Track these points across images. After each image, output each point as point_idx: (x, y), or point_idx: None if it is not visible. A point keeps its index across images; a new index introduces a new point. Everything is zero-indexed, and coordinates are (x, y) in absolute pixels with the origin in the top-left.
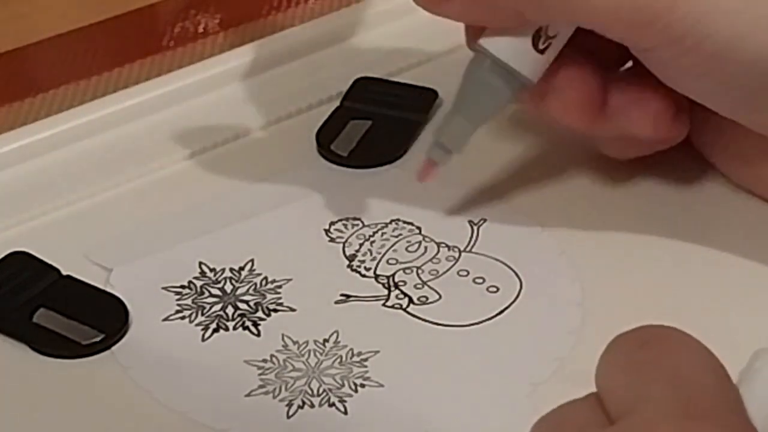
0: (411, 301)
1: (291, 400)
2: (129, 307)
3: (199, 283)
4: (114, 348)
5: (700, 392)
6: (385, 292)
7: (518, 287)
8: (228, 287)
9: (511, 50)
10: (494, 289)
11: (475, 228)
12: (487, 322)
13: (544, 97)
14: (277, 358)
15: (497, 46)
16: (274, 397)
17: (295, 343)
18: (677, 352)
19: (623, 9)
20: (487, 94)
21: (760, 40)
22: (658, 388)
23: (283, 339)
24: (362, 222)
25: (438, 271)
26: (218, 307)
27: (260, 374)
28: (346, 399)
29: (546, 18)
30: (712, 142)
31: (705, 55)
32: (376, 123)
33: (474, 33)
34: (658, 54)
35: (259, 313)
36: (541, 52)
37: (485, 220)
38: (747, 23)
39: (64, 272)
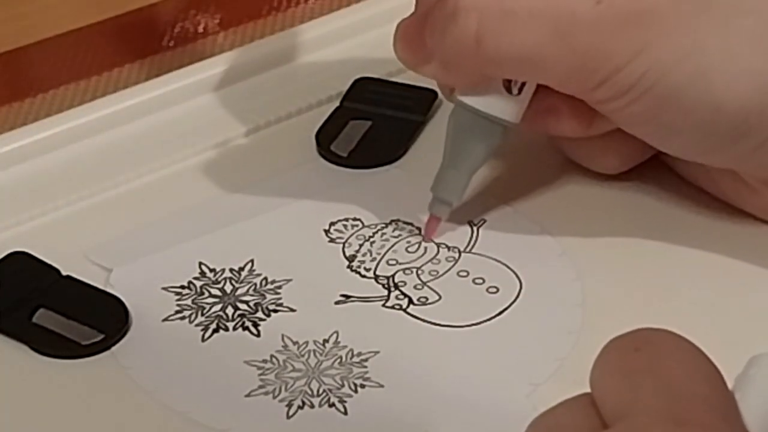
0: (411, 301)
1: (291, 401)
2: (129, 307)
3: (199, 284)
4: (114, 348)
5: (691, 399)
6: (385, 292)
7: (518, 288)
8: (228, 287)
9: (488, 99)
10: (494, 290)
11: (475, 229)
12: (487, 323)
13: (535, 119)
14: (277, 358)
15: (474, 97)
16: (274, 398)
17: (295, 343)
18: (671, 357)
19: (574, 75)
20: (475, 144)
21: (698, 90)
22: (649, 395)
23: (282, 339)
24: (362, 222)
25: (438, 272)
26: (218, 307)
27: (260, 374)
28: (346, 399)
29: (506, 77)
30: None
31: (649, 103)
32: (376, 123)
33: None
34: (609, 105)
35: (259, 314)
36: (517, 93)
37: (485, 221)
38: (685, 75)
39: (64, 272)
